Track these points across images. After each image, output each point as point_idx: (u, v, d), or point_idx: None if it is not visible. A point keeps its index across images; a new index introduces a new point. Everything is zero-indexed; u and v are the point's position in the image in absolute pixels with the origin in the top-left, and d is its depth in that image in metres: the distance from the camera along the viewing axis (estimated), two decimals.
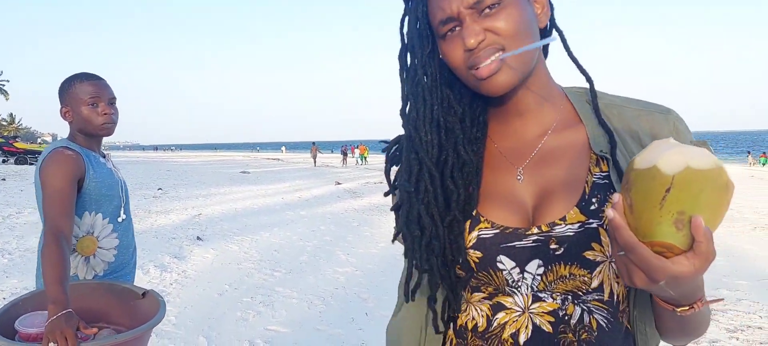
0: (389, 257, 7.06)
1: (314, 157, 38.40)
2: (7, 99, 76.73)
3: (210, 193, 15.83)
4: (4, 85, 75.20)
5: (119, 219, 2.01)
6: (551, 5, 0.93)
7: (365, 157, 38.97)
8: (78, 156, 1.85)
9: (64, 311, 1.49)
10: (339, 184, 19.22)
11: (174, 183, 19.19)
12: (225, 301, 5.10)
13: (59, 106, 1.98)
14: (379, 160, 47.95)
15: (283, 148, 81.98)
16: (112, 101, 2.00)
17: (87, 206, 1.89)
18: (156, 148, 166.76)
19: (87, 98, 1.94)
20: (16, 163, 28.62)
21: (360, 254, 7.31)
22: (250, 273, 6.18)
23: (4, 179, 17.87)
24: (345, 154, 38.43)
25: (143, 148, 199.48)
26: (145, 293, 1.86)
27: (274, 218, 10.64)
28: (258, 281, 5.86)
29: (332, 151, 72.79)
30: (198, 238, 8.32)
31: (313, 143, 40.54)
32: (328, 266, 6.54)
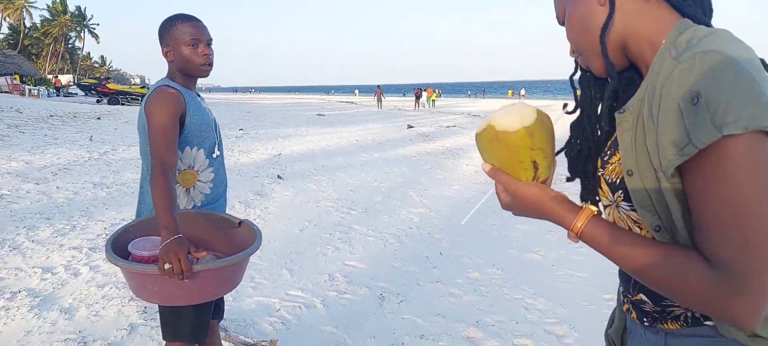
0: (463, 200, 7.14)
1: (379, 101, 38.84)
2: (98, 42, 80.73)
3: (288, 134, 16.31)
4: (94, 28, 79.01)
5: (214, 155, 2.16)
6: None
7: (433, 101, 38.81)
8: (179, 94, 1.98)
9: (175, 236, 1.63)
10: (411, 127, 19.27)
11: (254, 124, 19.85)
12: (305, 236, 5.36)
13: (161, 48, 2.08)
14: (447, 103, 47.31)
15: (356, 91, 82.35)
16: (209, 42, 2.10)
17: (188, 141, 2.03)
18: (235, 89, 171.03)
19: (188, 39, 2.03)
20: (108, 103, 30.36)
21: (433, 196, 7.42)
22: (328, 211, 6.43)
23: (99, 118, 19.03)
24: (418, 97, 38.31)
25: (223, 89, 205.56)
26: (240, 223, 2.03)
27: (349, 160, 10.88)
28: (336, 218, 6.09)
29: (405, 95, 72.44)
30: (278, 176, 8.67)
31: (378, 87, 40.83)
32: (402, 207, 6.69)
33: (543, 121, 0.96)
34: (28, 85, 36.86)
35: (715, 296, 0.79)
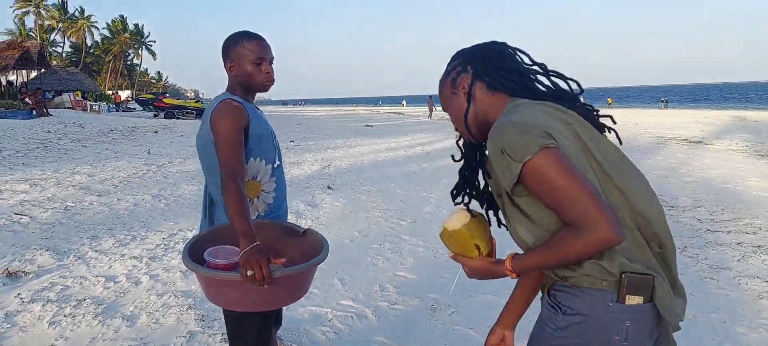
0: None
1: (431, 110, 39.10)
2: (155, 59, 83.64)
3: (337, 145, 16.48)
4: (151, 45, 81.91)
5: (275, 164, 2.22)
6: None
7: None
8: (243, 107, 2.05)
9: (254, 243, 1.67)
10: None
11: (304, 136, 20.16)
12: (355, 246, 5.40)
13: (223, 61, 2.15)
14: None
15: (404, 102, 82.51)
16: (272, 61, 2.16)
17: (251, 152, 2.09)
18: (285, 102, 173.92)
19: (253, 57, 2.10)
20: (165, 117, 31.34)
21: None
22: (377, 221, 6.46)
23: (156, 132, 19.70)
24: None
25: (273, 102, 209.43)
26: (305, 231, 2.07)
27: (398, 170, 10.90)
28: (385, 229, 6.12)
29: None
30: (328, 187, 8.77)
31: (430, 97, 40.94)
32: None
33: (477, 219, 1.58)
34: (90, 100, 38.46)
35: (584, 241, 1.26)
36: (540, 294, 1.60)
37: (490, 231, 1.58)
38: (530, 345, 1.54)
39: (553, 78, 1.55)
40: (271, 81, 2.16)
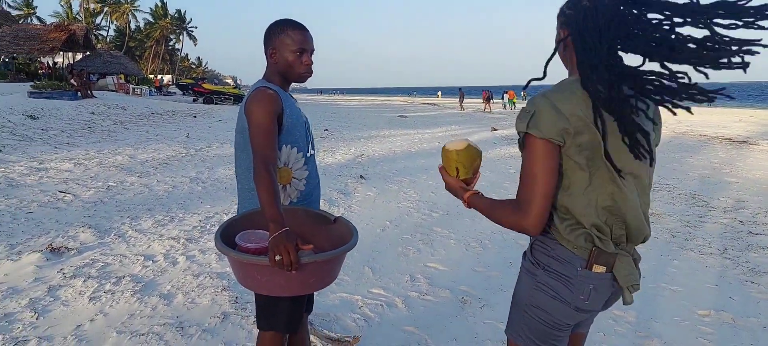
0: None
1: (461, 102, 39.20)
2: (195, 45, 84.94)
3: (371, 135, 16.52)
4: (192, 31, 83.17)
5: (308, 153, 2.24)
6: None
7: (514, 103, 38.70)
8: (277, 95, 2.07)
9: (283, 229, 1.70)
10: (495, 130, 19.02)
11: (338, 125, 20.25)
12: (387, 236, 5.43)
13: (265, 47, 2.17)
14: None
15: (439, 93, 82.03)
16: (312, 52, 2.18)
17: (285, 140, 2.12)
18: (320, 91, 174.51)
19: (295, 47, 2.11)
20: (204, 102, 31.88)
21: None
22: (409, 212, 6.47)
23: (195, 117, 20.06)
24: (488, 99, 38.19)
25: (309, 91, 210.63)
26: (336, 219, 2.10)
27: (431, 161, 10.88)
28: (417, 220, 6.13)
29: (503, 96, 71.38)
30: (361, 176, 8.82)
31: (460, 89, 40.82)
32: None
33: (468, 149, 1.82)
34: (132, 84, 39.32)
35: (512, 217, 1.56)
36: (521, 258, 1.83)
37: (478, 161, 1.84)
38: (515, 295, 1.79)
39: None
40: (310, 73, 2.19)
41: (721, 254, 5.04)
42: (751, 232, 5.81)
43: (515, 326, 1.75)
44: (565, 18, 1.63)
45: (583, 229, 1.56)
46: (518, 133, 1.58)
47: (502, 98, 40.14)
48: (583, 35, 1.52)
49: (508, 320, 1.80)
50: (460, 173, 1.83)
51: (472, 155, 1.83)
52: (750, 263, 4.78)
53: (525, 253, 1.76)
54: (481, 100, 40.32)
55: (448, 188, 1.88)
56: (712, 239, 5.56)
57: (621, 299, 1.67)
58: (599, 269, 1.57)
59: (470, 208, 1.78)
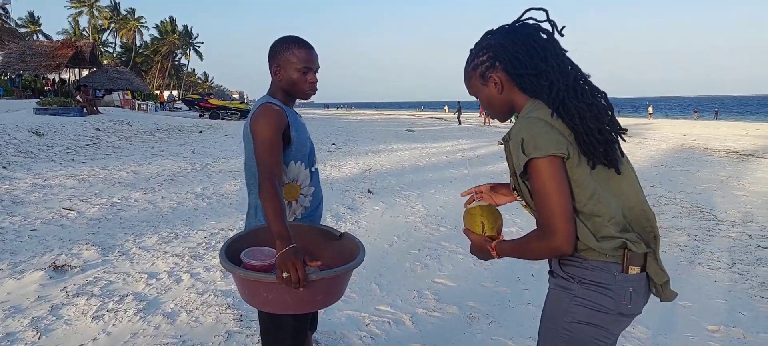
0: None
1: (458, 116, 39.38)
2: (202, 60, 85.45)
3: (378, 149, 16.51)
4: (199, 46, 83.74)
5: (313, 169, 2.21)
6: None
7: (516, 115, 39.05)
8: (282, 110, 2.04)
9: (290, 246, 1.67)
10: (501, 144, 18.98)
11: (346, 139, 20.27)
12: (394, 252, 5.37)
13: (269, 63, 2.14)
14: None
15: (446, 107, 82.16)
16: (317, 70, 2.16)
17: (292, 156, 2.09)
18: (327, 105, 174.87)
19: (300, 65, 2.09)
20: (210, 117, 32.00)
21: (526, 215, 7.22)
22: (417, 227, 6.42)
23: (201, 132, 20.11)
24: (487, 113, 38.28)
25: (315, 105, 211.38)
26: (341, 235, 2.06)
27: (439, 175, 10.84)
28: (425, 235, 6.07)
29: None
30: (369, 191, 8.78)
31: (458, 103, 40.98)
32: None
33: (491, 208, 1.84)
34: (138, 99, 39.55)
35: (541, 244, 1.53)
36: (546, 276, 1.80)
37: (500, 221, 1.82)
38: (547, 316, 1.70)
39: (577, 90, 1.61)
40: (314, 91, 2.17)
41: (729, 269, 4.96)
42: (759, 246, 5.72)
43: None
44: (491, 53, 1.67)
45: (611, 233, 1.54)
46: (516, 168, 1.56)
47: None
48: (531, 57, 1.61)
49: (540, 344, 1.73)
50: (486, 228, 1.79)
51: (495, 212, 1.82)
52: (759, 278, 4.70)
53: (552, 271, 1.70)
54: (479, 115, 40.43)
55: (474, 249, 1.83)
56: (721, 253, 5.48)
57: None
58: (634, 269, 1.57)
59: (501, 257, 1.73)
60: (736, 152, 16.32)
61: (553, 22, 1.66)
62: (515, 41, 1.63)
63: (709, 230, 6.39)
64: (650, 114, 54.93)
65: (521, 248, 1.63)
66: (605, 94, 1.65)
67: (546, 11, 1.66)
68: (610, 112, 1.64)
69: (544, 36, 1.64)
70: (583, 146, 1.55)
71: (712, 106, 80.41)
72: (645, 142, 20.86)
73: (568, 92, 1.57)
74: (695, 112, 65.50)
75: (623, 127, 1.67)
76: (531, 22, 1.67)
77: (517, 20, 1.68)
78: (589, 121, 1.56)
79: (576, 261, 1.60)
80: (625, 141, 1.69)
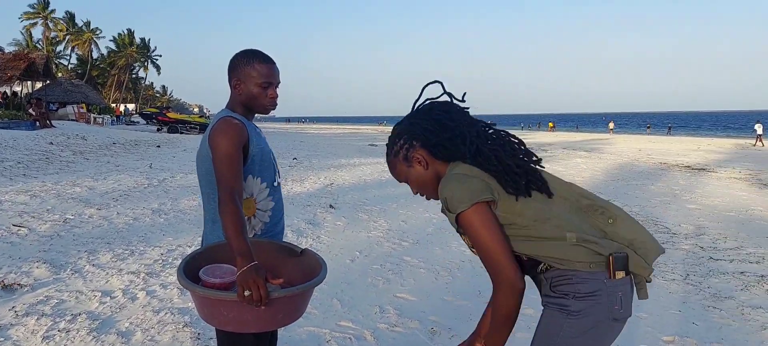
0: None
1: None
2: (159, 73, 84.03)
3: (340, 164, 16.47)
4: (157, 59, 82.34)
5: (274, 184, 2.18)
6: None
7: None
8: (243, 125, 2.01)
9: (252, 263, 1.63)
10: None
11: (307, 153, 20.16)
12: (356, 267, 5.35)
13: (229, 76, 2.10)
14: None
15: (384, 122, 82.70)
16: (278, 85, 2.13)
17: (250, 170, 2.06)
18: (289, 119, 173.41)
19: (261, 80, 2.05)
20: (168, 131, 31.44)
21: None
22: (379, 242, 6.41)
23: (159, 146, 19.73)
24: None
25: (276, 119, 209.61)
26: (302, 252, 2.03)
27: (401, 190, 10.78)
28: (387, 250, 6.06)
29: None
30: (331, 206, 8.73)
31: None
32: (455, 239, 6.60)
33: None
34: (94, 113, 38.58)
35: (501, 294, 1.60)
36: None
37: None
38: (544, 338, 1.72)
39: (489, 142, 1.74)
40: (275, 106, 2.14)
41: (683, 280, 5.10)
42: (711, 257, 5.90)
43: None
44: (406, 137, 1.79)
45: (581, 244, 1.62)
46: (453, 224, 1.66)
47: None
48: (442, 129, 1.73)
49: None
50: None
51: None
52: (712, 289, 4.84)
53: (544, 294, 1.73)
54: None
55: None
56: (675, 265, 5.63)
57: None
58: (620, 274, 1.63)
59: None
60: (689, 166, 16.86)
61: (451, 93, 1.81)
62: (423, 118, 1.77)
63: (663, 243, 6.56)
64: (611, 130, 56.40)
65: (498, 323, 1.67)
66: (511, 134, 1.79)
67: (441, 83, 1.83)
68: (522, 146, 1.76)
69: (445, 104, 1.79)
70: (507, 183, 1.64)
71: (666, 122, 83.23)
72: (602, 156, 21.37)
73: (480, 138, 1.70)
74: (648, 127, 67.87)
75: (538, 157, 1.79)
76: (428, 101, 1.82)
77: (417, 100, 1.84)
78: (505, 159, 1.67)
79: (565, 278, 1.65)
80: (543, 168, 1.79)
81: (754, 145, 30.63)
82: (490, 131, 1.77)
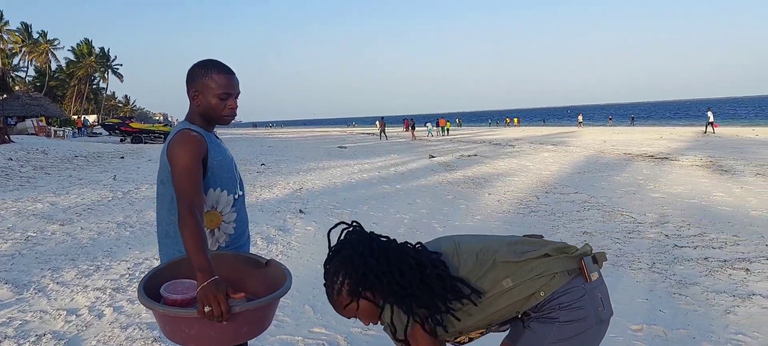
0: (485, 230, 7.05)
1: (382, 131, 39.55)
2: (121, 82, 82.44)
3: (310, 168, 16.37)
4: (118, 68, 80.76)
5: (236, 195, 2.14)
6: None
7: (448, 130, 43.46)
8: (202, 137, 1.97)
9: (212, 278, 1.60)
10: (433, 157, 19.24)
11: (275, 159, 19.99)
12: None
13: (187, 87, 2.06)
14: (466, 132, 47.46)
15: (377, 122, 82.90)
16: (237, 96, 2.09)
17: (211, 183, 2.02)
18: (255, 124, 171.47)
19: (220, 91, 2.01)
20: (132, 142, 30.87)
21: (456, 226, 7.34)
22: None
23: (122, 157, 19.33)
24: (412, 127, 40.02)
25: (242, 125, 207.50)
26: (267, 262, 2.00)
27: (372, 192, 10.85)
28: None
29: (426, 125, 72.87)
30: (300, 211, 8.67)
31: (381, 118, 41.51)
32: (426, 238, 6.60)
33: None
34: (54, 126, 37.66)
35: None
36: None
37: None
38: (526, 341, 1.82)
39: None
40: (234, 117, 2.11)
41: (649, 269, 5.19)
42: (676, 245, 6.03)
43: None
44: (344, 273, 1.80)
45: (541, 261, 1.75)
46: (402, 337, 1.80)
47: (425, 126, 44.04)
48: (404, 276, 1.79)
49: None
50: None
51: None
52: (677, 276, 4.95)
53: (527, 313, 1.80)
54: (403, 129, 41.50)
55: None
56: (641, 253, 5.74)
57: None
58: (595, 275, 1.75)
59: None
60: (652, 156, 17.22)
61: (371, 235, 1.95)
62: (356, 262, 1.80)
63: (629, 233, 6.69)
64: (580, 123, 57.24)
65: None
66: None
67: (357, 223, 1.97)
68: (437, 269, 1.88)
69: (365, 241, 1.87)
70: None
71: (629, 113, 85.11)
72: (569, 150, 21.68)
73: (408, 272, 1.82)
74: (609, 119, 69.25)
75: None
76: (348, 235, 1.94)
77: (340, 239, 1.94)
78: (433, 285, 1.78)
79: (547, 302, 1.74)
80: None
81: (705, 132, 31.28)
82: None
